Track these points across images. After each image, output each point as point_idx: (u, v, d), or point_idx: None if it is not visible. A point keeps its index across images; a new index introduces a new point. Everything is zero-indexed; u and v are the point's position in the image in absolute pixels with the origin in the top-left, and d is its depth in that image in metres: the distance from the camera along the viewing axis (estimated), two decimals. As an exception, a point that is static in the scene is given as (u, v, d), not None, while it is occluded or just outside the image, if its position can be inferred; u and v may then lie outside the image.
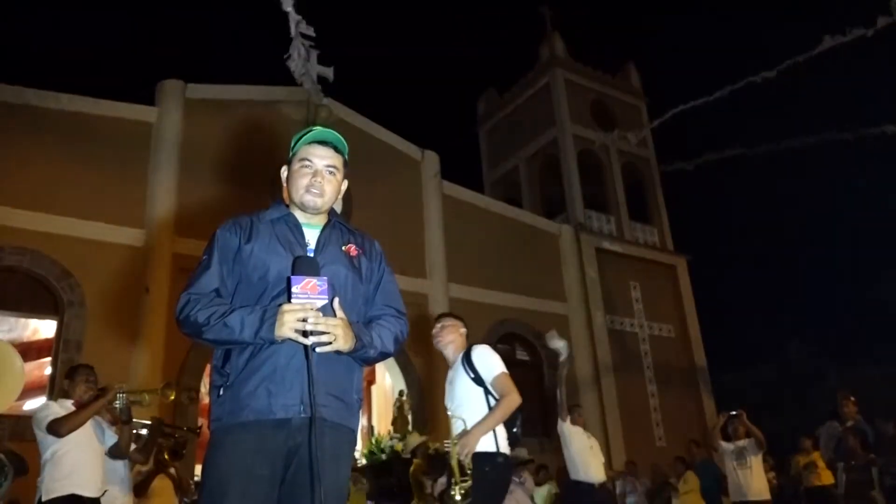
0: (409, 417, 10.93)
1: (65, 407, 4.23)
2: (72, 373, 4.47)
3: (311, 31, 9.66)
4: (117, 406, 4.33)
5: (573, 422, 6.86)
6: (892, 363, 22.70)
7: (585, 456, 6.67)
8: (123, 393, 4.44)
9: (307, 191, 2.16)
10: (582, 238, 15.71)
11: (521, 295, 14.27)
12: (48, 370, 9.67)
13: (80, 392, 4.32)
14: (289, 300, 1.92)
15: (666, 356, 15.96)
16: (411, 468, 8.32)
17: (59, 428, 4.01)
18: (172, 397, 5.17)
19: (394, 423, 10.84)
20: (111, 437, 4.50)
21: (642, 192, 18.08)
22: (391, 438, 10.11)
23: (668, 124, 15.29)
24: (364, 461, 10.01)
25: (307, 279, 1.91)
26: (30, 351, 10.34)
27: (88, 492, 4.13)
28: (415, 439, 9.18)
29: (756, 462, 7.15)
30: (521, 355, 14.30)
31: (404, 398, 11.19)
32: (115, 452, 4.47)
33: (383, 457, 9.80)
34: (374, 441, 10.48)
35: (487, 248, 14.20)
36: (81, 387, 4.33)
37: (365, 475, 8.88)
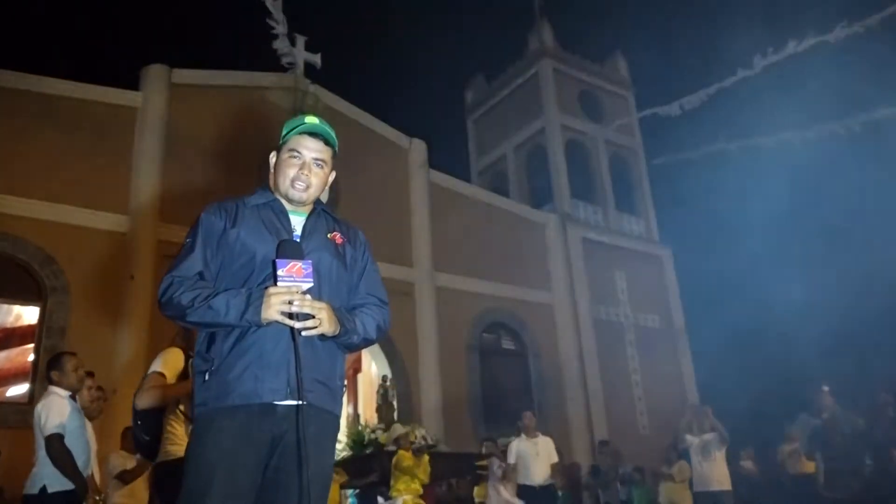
0: (395, 404, 10.83)
1: (62, 396, 4.20)
2: (57, 362, 4.34)
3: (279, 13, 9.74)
4: None
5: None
6: (875, 354, 22.93)
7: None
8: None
9: (293, 184, 2.17)
10: (568, 228, 15.75)
11: (507, 284, 14.31)
12: (31, 357, 9.60)
13: (72, 381, 4.28)
14: (274, 283, 1.94)
15: (651, 346, 16.06)
16: (393, 458, 8.23)
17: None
18: None
19: (378, 410, 10.68)
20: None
21: (629, 183, 18.14)
22: (374, 431, 9.97)
23: (656, 115, 15.29)
24: (349, 452, 9.90)
25: (292, 262, 1.93)
26: (13, 337, 10.28)
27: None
28: (398, 429, 9.12)
29: (719, 455, 7.64)
30: (507, 344, 14.36)
31: (388, 384, 11.00)
32: None
33: (366, 451, 9.68)
34: (357, 431, 10.35)
35: (474, 237, 14.21)
36: (72, 375, 4.28)
37: (348, 468, 8.80)
